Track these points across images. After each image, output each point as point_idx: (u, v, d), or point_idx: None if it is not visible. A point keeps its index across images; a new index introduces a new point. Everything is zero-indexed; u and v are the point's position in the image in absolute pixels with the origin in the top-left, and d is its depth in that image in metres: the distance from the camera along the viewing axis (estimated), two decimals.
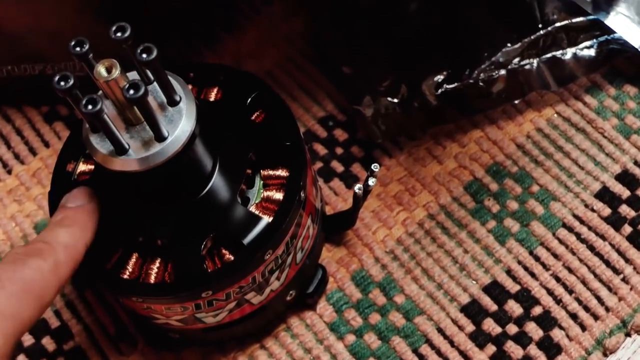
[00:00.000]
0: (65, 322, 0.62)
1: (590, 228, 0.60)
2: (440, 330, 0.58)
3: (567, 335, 0.57)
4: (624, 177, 0.62)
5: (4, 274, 0.44)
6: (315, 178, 0.58)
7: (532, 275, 0.59)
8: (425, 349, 0.58)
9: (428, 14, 0.67)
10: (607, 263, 0.59)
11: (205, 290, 0.49)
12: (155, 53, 0.42)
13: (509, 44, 0.64)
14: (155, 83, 0.46)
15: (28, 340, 0.61)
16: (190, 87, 0.47)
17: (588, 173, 0.62)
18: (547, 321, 0.57)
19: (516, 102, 0.64)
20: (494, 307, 0.58)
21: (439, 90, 0.64)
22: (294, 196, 0.50)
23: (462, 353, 0.57)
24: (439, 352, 0.58)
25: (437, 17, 0.67)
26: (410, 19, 0.68)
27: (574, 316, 0.57)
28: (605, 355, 0.56)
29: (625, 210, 0.61)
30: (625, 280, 0.58)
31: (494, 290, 0.59)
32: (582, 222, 0.60)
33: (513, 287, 0.59)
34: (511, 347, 0.57)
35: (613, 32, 0.64)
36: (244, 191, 0.52)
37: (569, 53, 0.64)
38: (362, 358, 0.58)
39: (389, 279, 0.60)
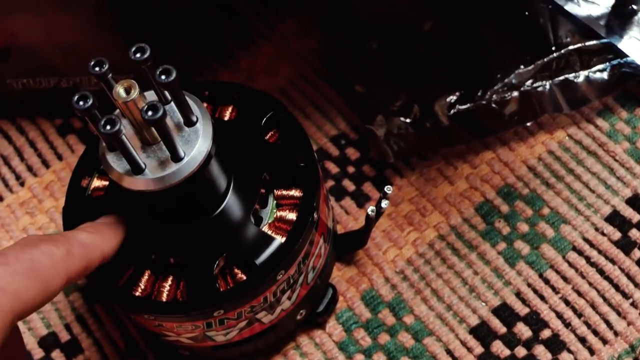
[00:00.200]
0: (75, 336, 0.62)
1: (600, 252, 0.60)
2: (449, 352, 0.58)
3: (576, 359, 0.57)
4: (635, 201, 0.62)
5: (11, 252, 0.43)
6: (328, 197, 0.58)
7: (542, 298, 0.59)
8: None
9: (441, 35, 0.68)
10: (617, 287, 0.59)
11: (217, 309, 0.49)
12: (174, 75, 0.42)
13: (522, 66, 0.64)
14: (172, 103, 0.46)
15: (38, 353, 0.62)
16: (205, 105, 0.48)
17: (599, 196, 0.62)
18: (555, 344, 0.57)
19: (528, 124, 0.64)
20: (503, 330, 0.58)
21: (452, 111, 0.64)
22: (307, 217, 0.50)
23: None
24: None
25: (450, 38, 0.67)
26: (424, 39, 0.68)
27: (582, 340, 0.57)
28: None
29: (635, 234, 0.61)
30: (634, 304, 0.58)
31: (504, 312, 0.59)
32: (592, 245, 0.61)
33: (522, 310, 0.59)
34: None
35: (626, 55, 0.64)
36: (257, 211, 0.52)
37: (581, 76, 0.64)
38: None
39: (398, 299, 0.60)
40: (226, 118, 0.55)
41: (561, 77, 0.64)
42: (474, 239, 0.62)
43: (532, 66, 0.64)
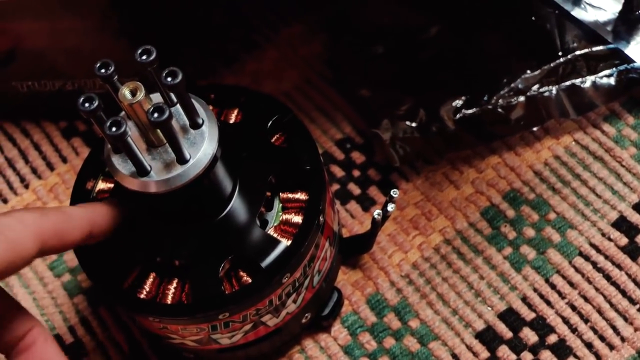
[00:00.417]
0: (80, 339, 0.62)
1: (606, 257, 0.60)
2: (455, 356, 0.58)
3: None
4: None
5: None
6: (333, 201, 0.58)
7: (548, 303, 0.59)
8: None
9: (447, 39, 0.68)
10: (623, 293, 0.59)
11: (222, 312, 0.49)
12: (180, 77, 0.42)
13: (528, 71, 0.64)
14: (178, 105, 0.46)
15: None
16: (210, 108, 0.48)
17: (605, 202, 0.62)
18: (562, 350, 0.57)
19: (534, 129, 0.64)
20: (509, 334, 0.58)
21: (457, 115, 0.64)
22: (313, 220, 0.50)
23: None
24: None
25: (457, 43, 0.67)
26: (430, 44, 0.68)
27: (589, 345, 0.57)
28: None
29: None
30: None
31: (510, 317, 0.59)
32: (598, 250, 0.60)
33: (528, 315, 0.59)
34: None
35: (633, 61, 0.64)
36: (263, 214, 0.52)
37: (588, 81, 0.64)
38: None
39: (404, 303, 0.60)
40: (232, 121, 0.55)
41: (568, 83, 0.64)
42: (479, 243, 0.62)
43: (539, 71, 0.64)
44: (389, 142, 0.64)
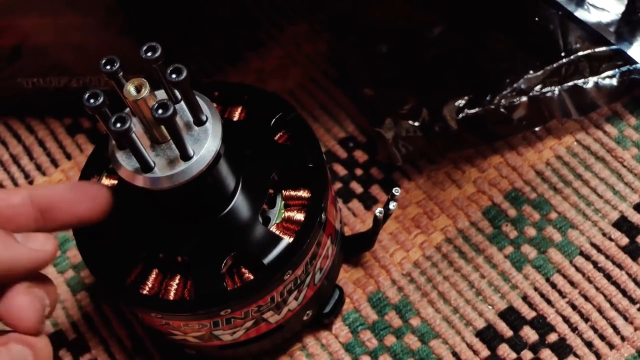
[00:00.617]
0: (82, 335, 0.62)
1: (607, 257, 0.60)
2: (455, 355, 0.58)
3: None
4: None
5: None
6: (335, 199, 0.58)
7: (548, 302, 0.59)
8: None
9: (451, 40, 0.68)
10: (624, 292, 0.59)
11: (225, 308, 0.49)
12: (185, 74, 0.43)
13: (531, 71, 0.64)
14: (182, 102, 0.46)
15: None
16: (214, 105, 0.48)
17: (606, 202, 0.62)
18: (562, 349, 0.57)
19: (537, 129, 0.65)
20: (509, 333, 0.58)
21: (460, 115, 0.64)
22: (315, 218, 0.51)
23: None
24: None
25: (461, 43, 0.68)
26: (433, 44, 0.68)
27: (589, 344, 0.57)
28: None
29: None
30: None
31: (510, 315, 0.59)
32: (599, 250, 0.61)
33: (529, 314, 0.59)
34: None
35: (635, 62, 0.64)
36: (265, 211, 0.52)
37: (590, 82, 0.64)
38: None
39: (405, 301, 0.60)
40: (235, 118, 0.56)
41: (570, 83, 0.64)
42: (481, 242, 0.62)
43: (542, 71, 0.64)
44: (391, 141, 0.64)
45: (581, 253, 0.61)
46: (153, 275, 0.51)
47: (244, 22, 0.76)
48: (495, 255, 0.61)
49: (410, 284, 0.61)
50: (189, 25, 0.73)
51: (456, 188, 0.65)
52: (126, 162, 0.46)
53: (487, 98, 0.64)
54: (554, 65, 0.65)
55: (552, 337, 0.58)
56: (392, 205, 0.55)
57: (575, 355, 0.57)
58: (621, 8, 0.66)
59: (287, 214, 0.52)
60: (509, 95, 0.64)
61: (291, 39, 0.75)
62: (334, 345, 0.60)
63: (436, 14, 0.69)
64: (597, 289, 0.59)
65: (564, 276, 0.60)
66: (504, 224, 0.62)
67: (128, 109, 0.46)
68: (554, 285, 0.60)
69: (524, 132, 0.65)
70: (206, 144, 0.46)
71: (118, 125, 0.42)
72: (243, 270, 0.50)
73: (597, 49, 0.65)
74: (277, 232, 0.51)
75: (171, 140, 0.45)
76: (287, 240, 0.50)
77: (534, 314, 0.59)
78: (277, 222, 0.52)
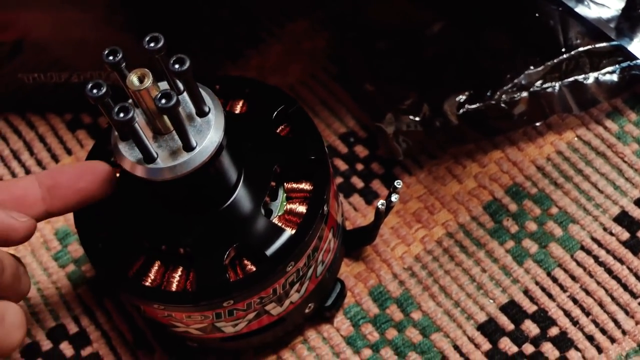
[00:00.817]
0: (84, 328, 0.63)
1: (608, 251, 0.60)
2: (457, 348, 0.58)
3: (584, 357, 0.57)
4: None
5: None
6: (337, 192, 0.58)
7: (550, 296, 0.59)
8: None
9: (452, 36, 0.68)
10: (625, 287, 0.59)
11: (227, 299, 0.49)
12: (187, 64, 0.43)
13: (531, 67, 0.64)
14: (184, 94, 0.46)
15: (46, 345, 0.62)
16: None
17: (607, 197, 0.63)
18: (563, 342, 0.57)
19: (537, 124, 0.65)
20: (510, 327, 0.58)
21: (461, 110, 0.64)
22: (317, 210, 0.51)
23: None
24: None
25: (461, 39, 0.68)
26: (434, 39, 0.68)
27: (590, 338, 0.57)
28: None
29: None
30: None
31: (511, 309, 0.59)
32: (600, 245, 0.61)
33: (530, 307, 0.59)
34: None
35: (636, 58, 0.64)
36: (268, 203, 0.52)
37: (591, 77, 0.64)
38: None
39: (406, 295, 0.61)
40: (237, 112, 0.56)
41: (571, 79, 0.64)
42: (482, 237, 0.62)
43: (542, 67, 0.65)
44: (392, 136, 0.64)
45: (582, 248, 0.61)
46: (155, 267, 0.51)
47: (244, 21, 0.76)
48: (496, 250, 0.61)
49: (411, 278, 0.61)
50: (189, 22, 0.73)
51: (457, 183, 0.65)
52: (128, 153, 0.46)
53: (488, 93, 0.64)
54: (555, 60, 0.65)
55: (554, 331, 0.58)
56: (394, 197, 0.55)
57: (577, 348, 0.57)
58: (621, 4, 0.66)
59: (289, 206, 0.52)
60: (510, 91, 0.64)
61: (291, 36, 0.75)
62: (335, 338, 0.60)
63: (436, 11, 0.70)
64: (598, 283, 0.59)
65: (565, 270, 0.60)
66: (504, 218, 0.63)
67: (130, 101, 0.46)
68: (555, 280, 0.60)
69: (525, 127, 0.65)
70: (209, 135, 0.46)
71: (121, 115, 0.42)
72: (245, 262, 0.50)
73: (597, 45, 0.65)
74: (280, 224, 0.51)
75: (174, 131, 0.46)
76: (289, 232, 0.50)
77: (535, 307, 0.59)
78: (279, 214, 0.52)
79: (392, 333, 0.59)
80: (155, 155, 0.45)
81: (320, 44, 0.74)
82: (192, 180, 0.46)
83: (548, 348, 0.57)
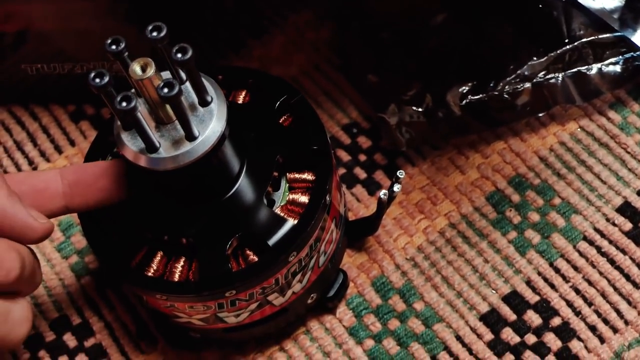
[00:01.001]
0: (87, 319, 0.63)
1: (610, 242, 0.60)
2: (459, 338, 0.58)
3: (586, 347, 0.57)
4: None
5: None
6: (340, 183, 0.58)
7: (552, 286, 0.59)
8: (443, 356, 0.58)
9: (454, 26, 0.68)
10: (627, 277, 0.59)
11: (229, 289, 0.49)
12: (190, 53, 0.43)
13: (535, 58, 0.64)
14: (187, 83, 0.46)
15: (49, 335, 0.62)
16: None
17: (610, 187, 0.63)
18: (566, 332, 0.57)
19: (540, 115, 0.64)
20: (513, 317, 0.58)
21: (464, 101, 0.64)
22: (319, 200, 0.51)
23: None
24: None
25: (464, 30, 0.68)
26: (437, 30, 0.68)
27: (592, 328, 0.57)
28: None
29: None
30: None
31: (514, 300, 0.59)
32: (602, 235, 0.61)
33: (532, 298, 0.59)
34: (529, 357, 0.57)
35: (639, 49, 0.64)
36: (270, 193, 0.52)
37: (594, 68, 0.64)
38: None
39: (409, 285, 0.61)
40: (240, 102, 0.56)
41: (574, 70, 0.64)
42: (484, 227, 0.62)
43: (545, 58, 0.64)
44: (395, 127, 0.64)
45: (585, 238, 0.61)
46: (158, 258, 0.51)
47: (247, 12, 0.76)
48: (499, 240, 0.61)
49: (414, 269, 0.61)
50: (192, 13, 0.73)
51: (460, 173, 0.65)
52: (131, 143, 0.46)
53: (491, 84, 0.64)
54: (558, 51, 0.65)
55: (556, 321, 0.58)
56: (397, 187, 0.55)
57: (579, 339, 0.57)
58: None
59: (291, 196, 0.52)
60: (513, 82, 0.64)
61: (294, 27, 0.75)
62: (337, 329, 0.60)
63: (439, 2, 0.69)
64: (600, 273, 0.59)
65: (568, 261, 0.60)
66: (507, 209, 0.63)
67: (133, 90, 0.46)
68: (557, 270, 0.60)
69: (528, 118, 0.65)
70: (211, 125, 0.46)
71: (124, 104, 0.42)
72: (248, 252, 0.50)
73: (600, 36, 0.65)
74: (282, 214, 0.51)
75: (176, 121, 0.46)
76: (291, 222, 0.50)
77: (537, 298, 0.59)
78: (282, 204, 0.52)
79: (394, 324, 0.59)
80: (158, 145, 0.45)
81: (323, 35, 0.74)
82: (195, 170, 0.46)
83: (550, 338, 0.57)
